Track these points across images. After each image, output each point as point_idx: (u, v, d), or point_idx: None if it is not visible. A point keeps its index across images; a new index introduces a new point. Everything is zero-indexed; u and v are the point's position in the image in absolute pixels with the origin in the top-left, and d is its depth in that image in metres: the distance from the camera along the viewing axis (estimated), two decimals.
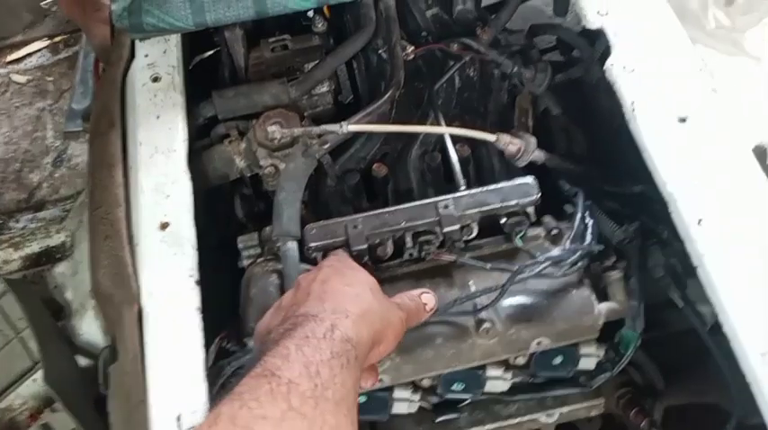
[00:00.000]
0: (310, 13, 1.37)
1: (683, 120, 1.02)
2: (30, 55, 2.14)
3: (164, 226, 1.05)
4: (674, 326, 1.17)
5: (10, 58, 2.14)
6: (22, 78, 2.10)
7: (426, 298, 0.93)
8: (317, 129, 1.05)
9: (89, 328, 1.29)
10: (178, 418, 0.91)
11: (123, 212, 1.07)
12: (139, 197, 1.08)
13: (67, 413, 1.16)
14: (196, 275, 1.02)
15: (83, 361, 1.31)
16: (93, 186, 1.12)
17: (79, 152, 1.95)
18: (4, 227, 1.59)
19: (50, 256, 1.42)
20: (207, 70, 1.38)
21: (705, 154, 0.99)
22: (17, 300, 1.26)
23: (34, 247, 1.45)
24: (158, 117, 1.16)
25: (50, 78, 2.11)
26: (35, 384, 1.36)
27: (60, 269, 1.38)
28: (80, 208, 1.45)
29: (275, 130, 1.05)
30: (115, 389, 0.97)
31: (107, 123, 1.15)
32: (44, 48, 2.15)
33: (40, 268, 1.41)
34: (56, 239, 1.42)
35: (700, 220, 0.94)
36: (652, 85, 1.06)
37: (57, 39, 2.13)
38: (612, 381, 1.25)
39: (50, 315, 1.33)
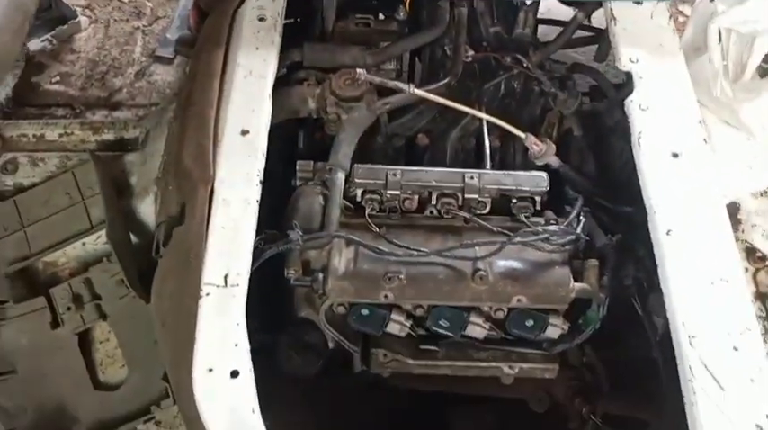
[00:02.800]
0: None
1: (675, 155, 1.27)
2: None
3: (244, 132, 1.29)
4: (630, 350, 1.39)
5: None
6: None
7: None
8: (390, 83, 1.29)
9: (146, 210, 1.50)
10: (226, 276, 1.13)
11: (214, 113, 1.29)
12: (230, 106, 1.31)
13: (119, 264, 1.37)
14: (261, 176, 1.25)
15: (133, 238, 1.52)
16: (191, 88, 1.35)
17: (161, 72, 2.19)
18: (80, 116, 1.81)
19: (123, 146, 1.64)
20: (296, 33, 1.63)
21: (686, 184, 1.23)
22: (96, 170, 1.47)
23: (110, 136, 1.67)
24: (257, 48, 1.40)
25: (150, 3, 2.37)
26: (83, 248, 1.57)
27: (131, 158, 1.60)
28: (157, 113, 1.67)
29: (361, 73, 1.27)
30: (175, 247, 1.19)
31: (214, 42, 1.38)
32: None
33: (112, 153, 1.63)
34: (131, 133, 1.64)
35: (669, 231, 1.17)
36: (658, 124, 1.30)
37: None
38: (567, 374, 1.46)
39: (115, 192, 1.55)
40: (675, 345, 1.08)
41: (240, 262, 1.14)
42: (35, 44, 2.24)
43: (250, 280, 1.15)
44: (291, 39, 1.53)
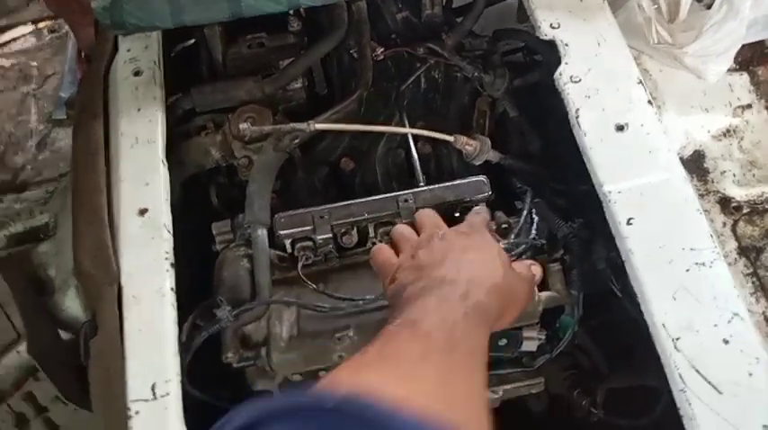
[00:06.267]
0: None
1: (620, 128, 1.13)
2: (14, 40, 2.19)
3: (142, 212, 1.14)
4: (618, 314, 1.29)
5: None
6: (6, 62, 2.15)
7: (535, 269, 0.98)
8: (286, 128, 1.14)
9: (71, 304, 1.37)
10: (153, 387, 1.00)
11: (105, 198, 1.14)
12: (120, 184, 1.16)
13: (50, 381, 1.25)
14: (171, 258, 1.11)
15: (65, 335, 1.39)
16: (76, 173, 1.20)
17: (63, 137, 2.00)
18: None
19: (34, 236, 1.49)
20: (185, 62, 1.46)
21: (639, 160, 1.10)
22: (2, 276, 1.33)
23: (18, 227, 1.52)
24: (139, 110, 1.24)
25: (35, 63, 2.16)
26: (19, 356, 1.44)
27: (43, 248, 1.46)
28: (63, 190, 1.52)
29: (246, 128, 1.13)
30: (95, 360, 1.06)
31: (91, 114, 1.22)
32: (29, 33, 2.20)
33: (23, 247, 1.48)
34: (39, 220, 1.49)
35: (629, 220, 1.04)
36: (594, 95, 1.16)
37: (41, 24, 2.17)
38: (560, 364, 1.37)
39: (34, 291, 1.41)
40: (660, 352, 0.97)
41: (166, 366, 1.01)
42: None
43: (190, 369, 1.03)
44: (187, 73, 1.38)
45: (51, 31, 2.18)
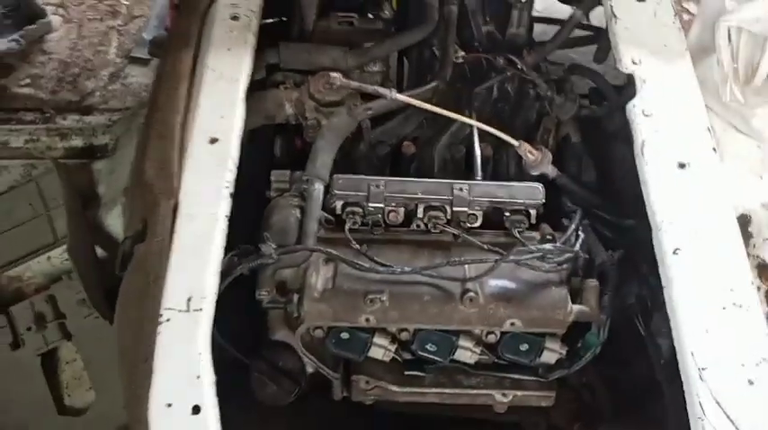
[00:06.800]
0: None
1: (682, 165, 1.16)
2: None
3: (213, 140, 1.18)
4: (633, 371, 1.30)
5: None
6: None
7: None
8: (369, 88, 1.19)
9: (114, 222, 1.41)
10: (189, 300, 1.02)
11: (180, 120, 1.19)
12: (197, 111, 1.21)
13: (80, 282, 1.27)
14: (232, 189, 1.14)
15: (100, 253, 1.43)
16: (157, 93, 1.25)
17: (136, 74, 2.08)
18: (50, 120, 1.71)
19: (92, 153, 1.55)
20: (274, 34, 1.52)
21: (694, 198, 1.13)
22: (60, 180, 1.37)
23: (78, 142, 1.57)
24: (230, 49, 1.29)
25: (126, 2, 2.26)
26: (48, 262, 1.48)
27: (99, 166, 1.51)
28: (130, 117, 1.57)
29: (336, 77, 1.17)
30: (137, 263, 1.09)
31: (183, 43, 1.28)
32: None
33: (80, 161, 1.53)
34: (101, 140, 1.55)
35: (676, 250, 1.07)
36: (663, 131, 1.20)
37: None
38: (565, 397, 1.37)
39: (81, 203, 1.45)
40: (684, 379, 0.98)
41: (205, 284, 1.04)
42: (2, 44, 2.11)
43: (220, 300, 1.05)
44: (270, 40, 1.44)
45: None
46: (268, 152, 1.40)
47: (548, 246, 1.15)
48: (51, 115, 1.76)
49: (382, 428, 1.45)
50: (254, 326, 1.24)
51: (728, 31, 1.32)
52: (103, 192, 1.47)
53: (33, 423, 1.41)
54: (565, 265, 1.17)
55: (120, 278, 1.18)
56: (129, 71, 2.10)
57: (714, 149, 1.19)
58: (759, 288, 1.30)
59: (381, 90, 1.18)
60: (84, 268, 1.32)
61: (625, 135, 1.28)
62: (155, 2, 2.21)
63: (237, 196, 1.16)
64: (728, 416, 0.93)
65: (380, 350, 1.17)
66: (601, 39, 1.56)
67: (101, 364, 1.40)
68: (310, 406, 1.31)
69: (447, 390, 1.22)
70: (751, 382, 0.96)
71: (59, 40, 2.18)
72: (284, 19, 1.56)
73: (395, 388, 1.21)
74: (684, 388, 0.98)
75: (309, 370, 1.23)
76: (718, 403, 0.94)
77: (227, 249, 1.11)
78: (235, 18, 1.34)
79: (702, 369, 0.97)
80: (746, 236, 1.35)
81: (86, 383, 1.45)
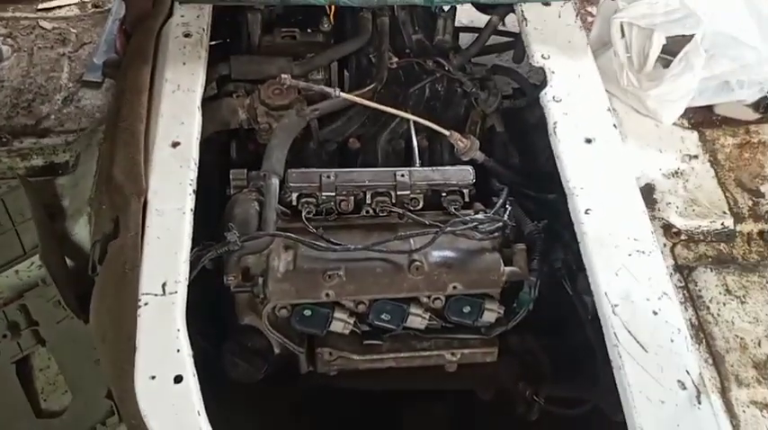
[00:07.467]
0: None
1: (588, 140, 1.35)
2: (59, 7, 2.38)
3: (175, 144, 1.30)
4: (568, 337, 1.46)
5: (41, 6, 2.38)
6: (48, 25, 2.33)
7: None
8: (317, 87, 1.33)
9: (81, 231, 1.49)
10: (164, 284, 1.13)
11: (143, 127, 1.30)
12: (159, 119, 1.33)
13: (54, 285, 1.35)
14: (194, 186, 1.26)
15: (69, 262, 1.50)
16: (120, 105, 1.36)
17: (89, 97, 2.17)
18: (8, 144, 1.78)
19: (53, 170, 1.62)
20: (223, 52, 1.65)
21: (600, 167, 1.32)
22: (26, 194, 1.45)
23: (39, 161, 1.65)
24: (184, 63, 1.42)
25: (74, 30, 2.34)
26: (16, 276, 1.54)
27: (62, 181, 1.59)
28: (89, 133, 1.66)
29: (286, 78, 1.31)
30: (112, 257, 1.18)
31: (141, 59, 1.40)
32: (74, 4, 2.40)
33: (43, 178, 1.60)
34: (61, 157, 1.63)
35: (587, 210, 1.25)
36: (571, 113, 1.39)
37: None
38: (510, 361, 1.51)
39: (48, 216, 1.53)
40: (600, 315, 1.15)
41: (177, 269, 1.15)
42: None
43: (190, 291, 1.16)
44: (218, 57, 1.56)
45: (95, 6, 2.39)
46: (224, 157, 1.52)
47: (480, 215, 1.31)
48: (8, 140, 1.83)
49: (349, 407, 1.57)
50: (216, 319, 1.35)
51: (621, 26, 1.53)
52: (68, 205, 1.55)
53: (12, 428, 1.46)
54: (496, 234, 1.34)
55: (91, 282, 1.27)
56: (82, 94, 2.18)
57: (615, 126, 1.39)
58: (665, 244, 1.51)
59: (327, 89, 1.33)
60: (57, 272, 1.39)
61: (544, 125, 1.46)
62: (103, 29, 2.31)
63: (199, 196, 1.28)
64: (638, 341, 1.11)
65: (340, 323, 1.30)
66: (516, 42, 1.76)
67: (75, 366, 1.47)
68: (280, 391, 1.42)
69: (402, 354, 1.36)
70: (655, 313, 1.14)
71: (11, 68, 2.26)
72: (228, 41, 1.70)
73: (356, 356, 1.34)
74: (601, 322, 1.14)
75: (276, 350, 1.34)
76: (629, 331, 1.11)
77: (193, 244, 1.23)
78: (187, 35, 1.47)
79: (615, 305, 1.14)
80: (652, 202, 1.55)
81: (61, 388, 1.51)
